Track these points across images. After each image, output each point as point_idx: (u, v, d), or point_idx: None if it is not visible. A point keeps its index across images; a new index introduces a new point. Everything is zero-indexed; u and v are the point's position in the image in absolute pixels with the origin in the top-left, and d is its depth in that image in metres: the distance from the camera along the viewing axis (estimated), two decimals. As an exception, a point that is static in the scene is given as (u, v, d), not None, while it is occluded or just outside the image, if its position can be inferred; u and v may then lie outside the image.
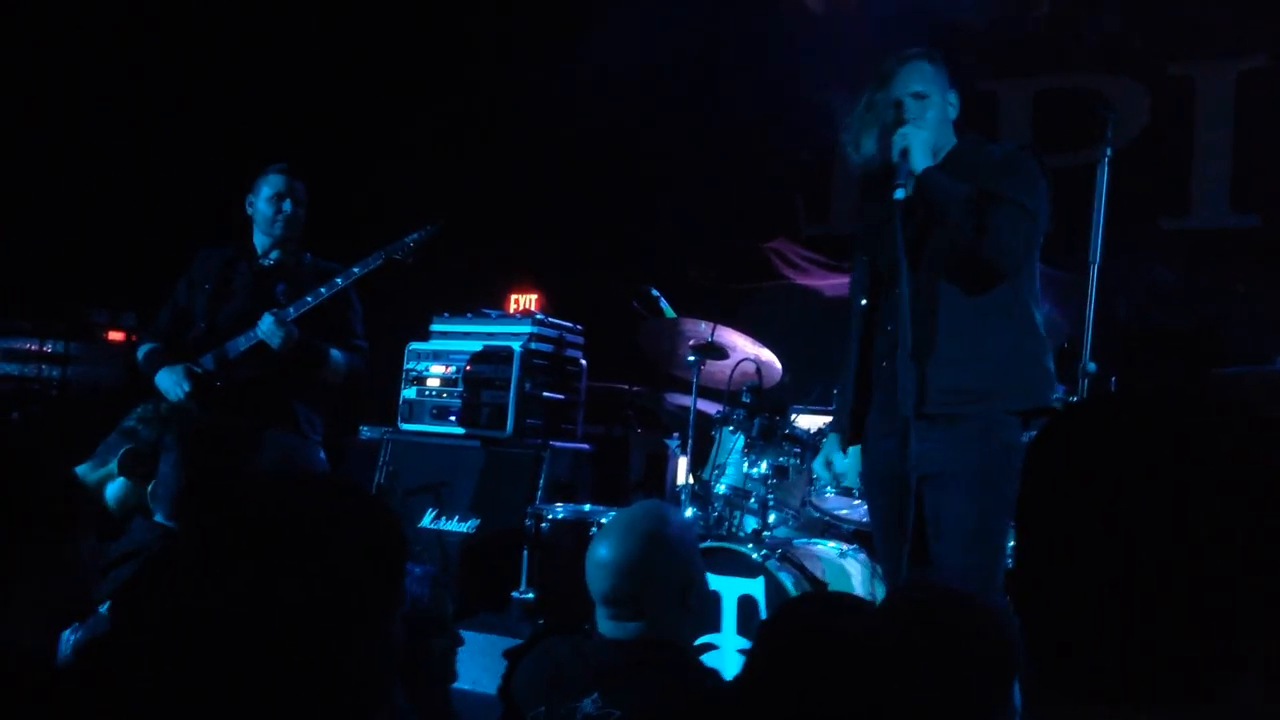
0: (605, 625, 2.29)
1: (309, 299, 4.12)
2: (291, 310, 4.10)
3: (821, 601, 2.14)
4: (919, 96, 3.18)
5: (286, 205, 4.28)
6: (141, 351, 4.25)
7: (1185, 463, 1.06)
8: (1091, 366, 2.96)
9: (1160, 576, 1.06)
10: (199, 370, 4.10)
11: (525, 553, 4.40)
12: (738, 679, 1.87)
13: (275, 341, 4.04)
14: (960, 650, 1.96)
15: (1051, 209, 3.31)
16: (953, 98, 3.26)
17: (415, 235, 4.22)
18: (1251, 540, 1.05)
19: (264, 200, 4.31)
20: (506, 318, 5.20)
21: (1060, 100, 6.29)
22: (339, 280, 4.15)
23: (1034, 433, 3.16)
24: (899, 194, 3.11)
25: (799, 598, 2.99)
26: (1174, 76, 6.09)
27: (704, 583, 2.44)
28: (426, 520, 4.73)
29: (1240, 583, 1.05)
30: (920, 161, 3.09)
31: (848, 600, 2.11)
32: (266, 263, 4.31)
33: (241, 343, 4.11)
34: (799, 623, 1.81)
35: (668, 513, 2.37)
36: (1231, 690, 1.06)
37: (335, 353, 4.20)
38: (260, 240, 4.32)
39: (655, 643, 2.24)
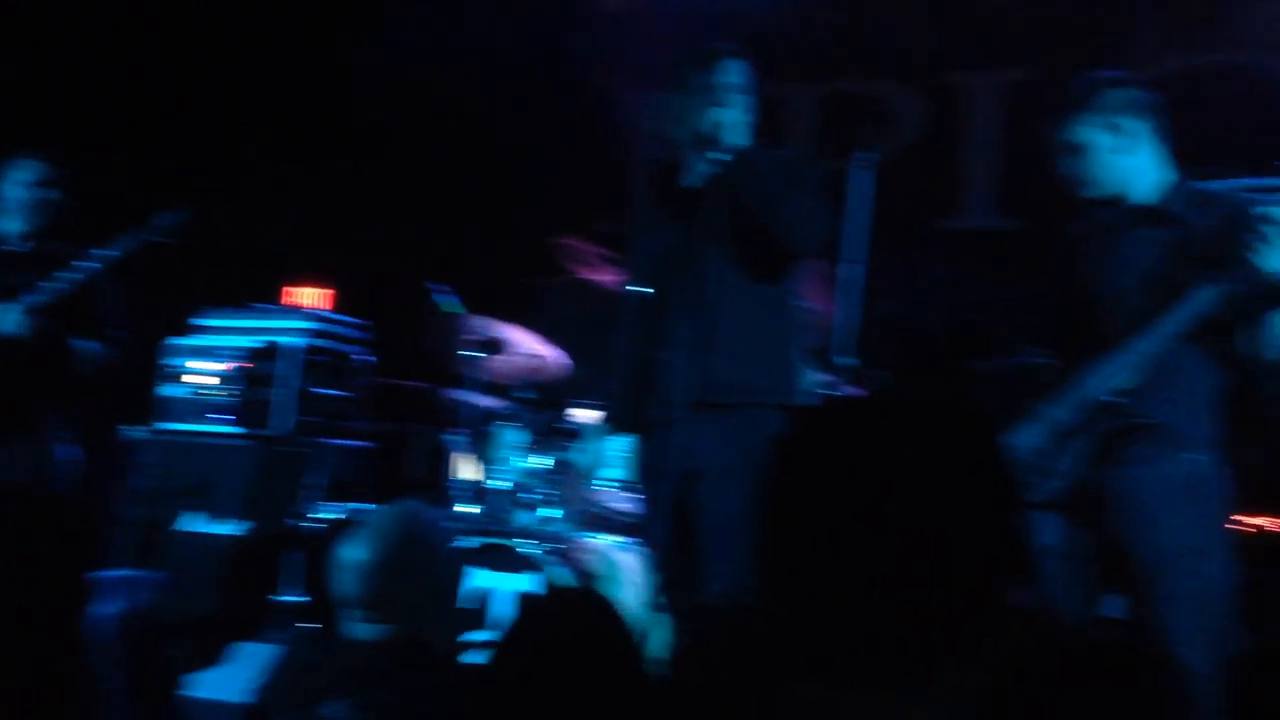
0: (355, 628, 2.26)
1: (52, 287, 3.90)
2: (32, 299, 3.87)
3: (562, 602, 2.17)
4: (737, 89, 3.27)
5: (36, 191, 4.08)
6: None
7: (896, 466, 1.12)
8: (851, 361, 3.07)
9: (875, 570, 1.11)
10: None
11: (296, 555, 4.30)
12: (481, 679, 1.87)
13: (12, 333, 3.83)
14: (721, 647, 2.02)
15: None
16: (752, 103, 3.34)
17: (167, 217, 4.03)
18: (958, 534, 1.11)
19: (10, 185, 4.10)
20: (286, 312, 5.07)
21: (844, 105, 6.52)
22: (88, 267, 3.94)
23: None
24: (708, 163, 3.20)
25: (542, 599, 3.01)
26: (949, 85, 6.38)
27: (457, 582, 2.44)
28: (190, 523, 4.57)
29: (947, 575, 1.11)
30: (735, 139, 3.17)
31: (589, 601, 2.14)
32: (8, 249, 4.10)
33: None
34: (538, 624, 1.82)
35: (419, 512, 2.36)
36: (937, 674, 1.12)
37: (83, 345, 4.00)
38: (5, 226, 4.11)
39: (406, 644, 2.23)
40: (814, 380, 3.33)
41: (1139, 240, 2.97)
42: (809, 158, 3.48)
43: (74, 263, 3.96)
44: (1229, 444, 2.96)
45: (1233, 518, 3.09)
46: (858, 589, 1.13)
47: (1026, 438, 2.96)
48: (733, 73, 3.31)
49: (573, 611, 1.77)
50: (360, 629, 2.24)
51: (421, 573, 2.24)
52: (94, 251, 3.99)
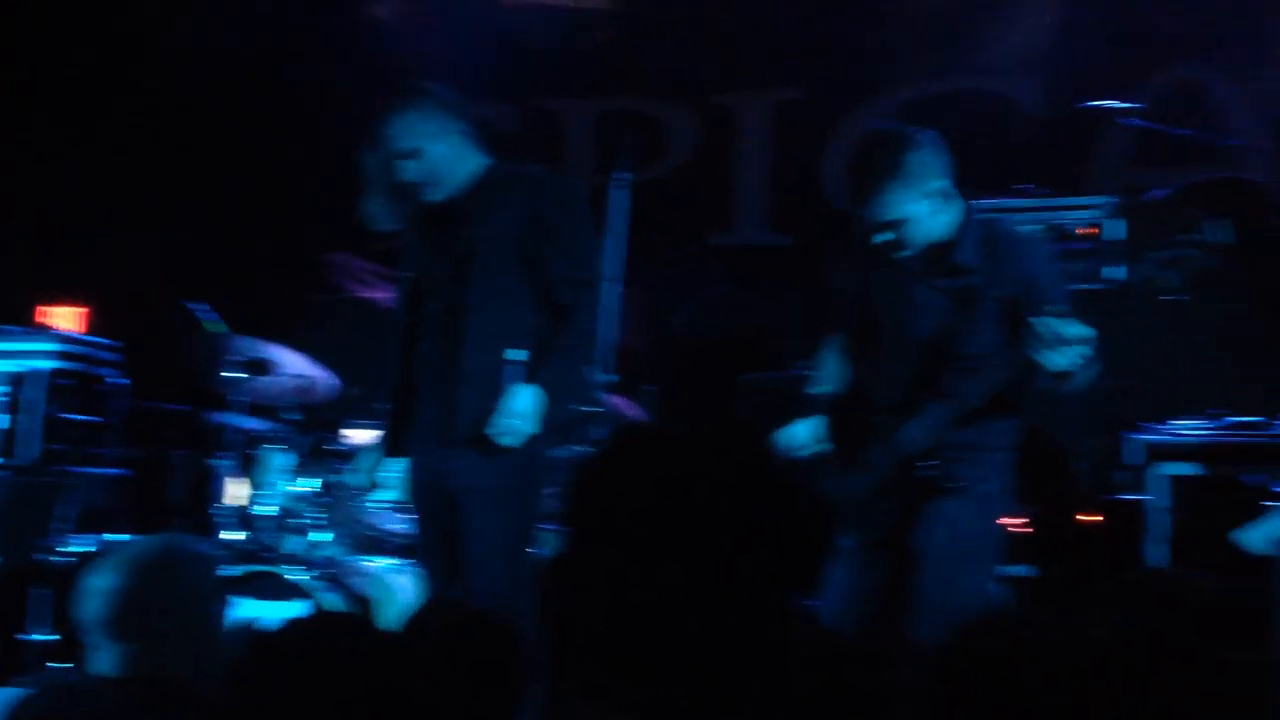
0: (101, 662, 2.16)
1: None
2: None
3: (315, 623, 2.13)
4: (408, 155, 3.22)
5: None
6: None
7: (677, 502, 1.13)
8: (606, 377, 3.13)
9: (652, 601, 1.12)
10: None
11: (44, 591, 4.06)
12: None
13: None
14: (469, 664, 2.00)
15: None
16: (459, 127, 3.30)
17: None
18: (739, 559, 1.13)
19: None
20: (31, 333, 4.76)
21: (620, 122, 6.61)
22: None
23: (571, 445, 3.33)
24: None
25: (294, 621, 2.94)
26: (718, 105, 6.56)
27: (220, 614, 2.36)
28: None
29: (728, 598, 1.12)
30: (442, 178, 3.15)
31: (339, 620, 2.11)
32: None
33: None
34: (283, 647, 1.78)
35: (174, 543, 2.29)
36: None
37: None
38: None
39: (157, 679, 2.14)
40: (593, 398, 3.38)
41: (931, 287, 3.06)
42: (564, 174, 3.50)
43: None
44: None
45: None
46: (641, 610, 1.14)
47: (852, 485, 3.10)
48: (408, 133, 3.23)
49: (312, 637, 1.73)
50: (107, 663, 2.14)
51: (177, 605, 2.16)
52: None
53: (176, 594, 2.20)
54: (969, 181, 5.05)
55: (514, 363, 3.16)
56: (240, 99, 6.34)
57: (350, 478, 3.60)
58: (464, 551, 3.21)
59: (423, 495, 3.37)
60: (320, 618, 2.51)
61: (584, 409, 3.20)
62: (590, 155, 6.58)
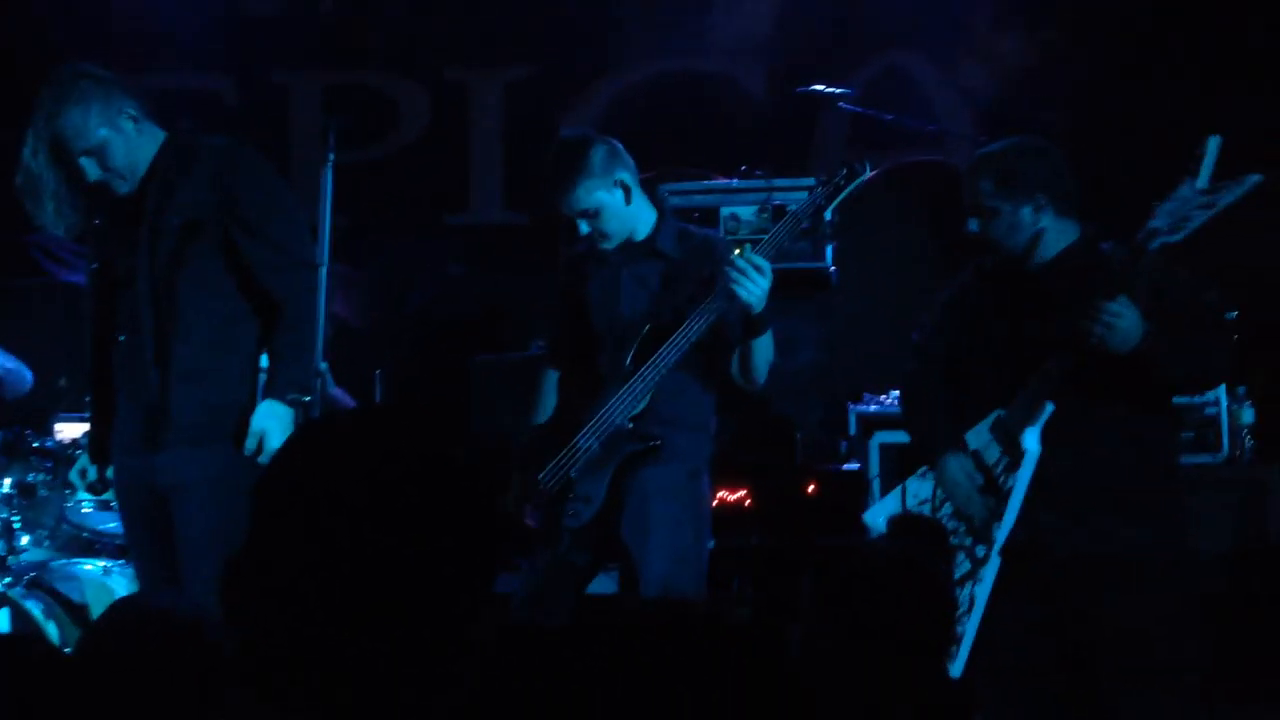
0: None
1: None
2: None
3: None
4: (91, 153, 2.99)
5: None
6: None
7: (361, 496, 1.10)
8: (322, 364, 3.04)
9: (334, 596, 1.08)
10: None
11: None
12: None
13: None
14: (153, 668, 1.92)
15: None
16: (129, 110, 3.06)
17: None
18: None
19: None
20: None
21: (349, 96, 6.42)
22: None
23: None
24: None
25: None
26: (450, 81, 6.46)
27: None
28: None
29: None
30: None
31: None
32: None
33: None
34: None
35: None
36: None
37: None
38: None
39: None
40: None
41: (636, 274, 3.31)
42: (246, 142, 3.31)
43: None
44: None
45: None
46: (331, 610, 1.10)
47: (564, 472, 3.24)
48: (86, 109, 2.97)
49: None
50: None
51: None
52: None
53: None
54: (698, 161, 5.25)
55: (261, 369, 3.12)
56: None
57: (73, 477, 3.36)
58: (178, 552, 3.06)
59: (130, 496, 3.19)
60: None
61: (303, 398, 3.07)
62: (318, 131, 6.38)
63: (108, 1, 6.04)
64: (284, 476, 1.19)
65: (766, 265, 3.04)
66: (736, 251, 3.08)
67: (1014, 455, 2.92)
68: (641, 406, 3.18)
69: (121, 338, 3.12)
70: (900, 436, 4.23)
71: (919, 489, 3.11)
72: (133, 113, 3.04)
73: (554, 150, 3.26)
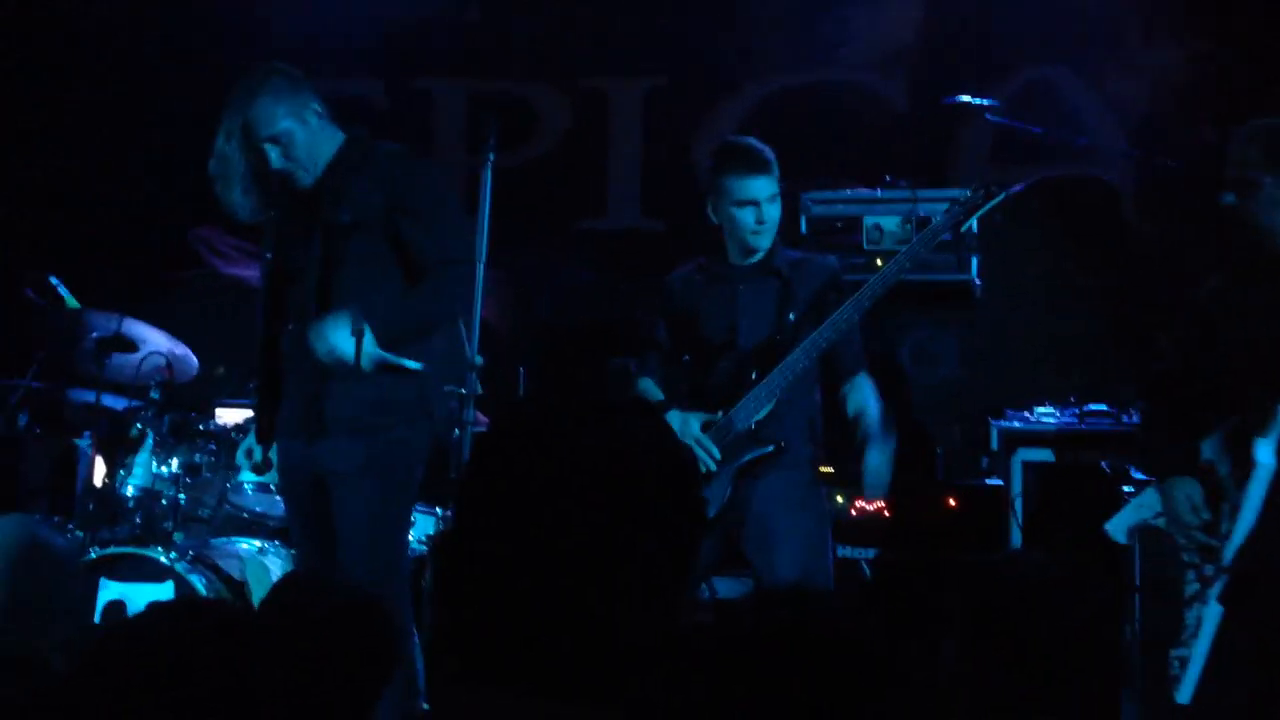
0: None
1: None
2: None
3: (159, 611, 2.09)
4: (276, 141, 3.15)
5: None
6: None
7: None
8: (478, 359, 3.13)
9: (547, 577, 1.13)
10: None
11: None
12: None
13: None
14: (340, 645, 2.00)
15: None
16: (314, 107, 3.22)
17: None
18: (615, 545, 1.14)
19: None
20: None
21: (492, 103, 6.57)
22: None
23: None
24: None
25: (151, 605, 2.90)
26: (589, 90, 6.57)
27: (75, 595, 2.31)
28: None
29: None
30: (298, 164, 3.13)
31: (194, 603, 2.08)
32: None
33: None
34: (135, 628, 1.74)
35: (27, 523, 2.22)
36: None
37: None
38: None
39: (8, 658, 2.08)
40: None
41: (754, 290, 3.48)
42: (415, 151, 3.45)
43: None
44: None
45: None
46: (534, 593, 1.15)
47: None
48: (263, 122, 3.15)
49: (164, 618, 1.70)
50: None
51: (27, 585, 2.10)
52: None
53: (27, 574, 2.14)
54: (836, 171, 5.25)
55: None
56: (101, 67, 6.11)
57: (239, 457, 3.53)
58: (335, 536, 3.18)
59: (291, 480, 3.34)
60: (177, 601, 2.45)
61: (459, 390, 3.18)
62: (461, 136, 6.54)
63: (268, 13, 6.29)
64: (492, 457, 1.23)
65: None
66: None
67: (1245, 468, 2.81)
68: (764, 414, 3.31)
69: (290, 327, 3.25)
70: (1044, 454, 4.18)
71: (1155, 501, 3.01)
72: (318, 109, 3.20)
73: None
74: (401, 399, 3.19)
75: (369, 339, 3.02)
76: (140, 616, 1.60)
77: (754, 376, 3.33)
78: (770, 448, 3.32)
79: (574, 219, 6.49)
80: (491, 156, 3.17)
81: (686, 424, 3.33)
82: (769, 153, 3.44)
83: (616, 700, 1.15)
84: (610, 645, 1.15)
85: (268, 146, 3.13)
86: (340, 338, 3.01)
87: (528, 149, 6.41)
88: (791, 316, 3.40)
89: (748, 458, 3.30)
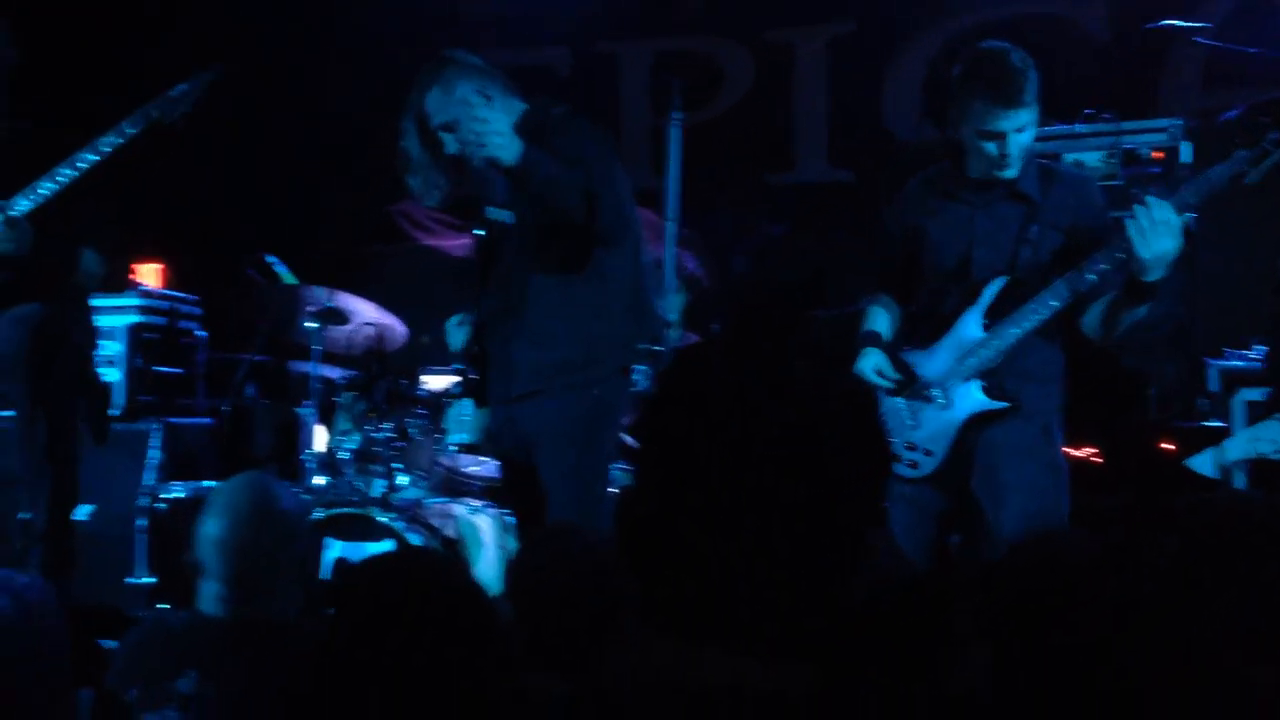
0: (209, 603, 2.24)
1: (45, 185, 3.27)
2: (23, 202, 3.26)
3: (392, 560, 2.20)
4: (447, 128, 3.20)
5: None
6: None
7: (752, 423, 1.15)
8: (672, 316, 3.16)
9: (738, 530, 1.14)
10: None
11: (143, 536, 4.21)
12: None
13: (8, 246, 3.25)
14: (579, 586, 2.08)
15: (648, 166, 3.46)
16: (487, 89, 3.23)
17: (183, 87, 3.46)
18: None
19: None
20: (111, 291, 4.89)
21: (676, 62, 6.59)
22: (86, 156, 3.30)
23: (639, 379, 3.37)
24: (497, 214, 3.24)
25: (369, 560, 3.03)
26: (773, 41, 6.50)
27: (314, 554, 2.44)
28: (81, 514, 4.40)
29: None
30: (509, 154, 3.06)
31: (416, 555, 2.18)
32: None
33: None
34: (372, 583, 1.83)
35: (269, 484, 2.35)
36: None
37: (88, 254, 3.46)
38: None
39: (259, 618, 2.22)
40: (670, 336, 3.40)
41: (993, 216, 3.10)
42: (576, 112, 3.43)
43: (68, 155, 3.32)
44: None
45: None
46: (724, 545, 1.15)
47: (906, 419, 3.14)
48: (448, 104, 3.18)
49: (404, 572, 1.79)
50: (214, 604, 2.23)
51: (276, 546, 2.24)
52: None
53: (273, 535, 2.26)
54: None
55: None
56: (300, 49, 6.38)
57: (452, 426, 3.66)
58: (541, 493, 3.28)
59: (499, 443, 3.46)
60: (414, 552, 2.57)
61: (654, 348, 3.22)
62: (647, 97, 6.59)
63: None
64: (662, 411, 1.23)
65: (1176, 222, 2.75)
66: (1141, 204, 2.77)
67: None
68: (995, 363, 3.04)
69: (492, 299, 3.36)
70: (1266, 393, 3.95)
71: (1275, 433, 2.83)
72: (490, 91, 3.26)
73: (990, 58, 3.03)
74: (592, 358, 3.25)
75: None
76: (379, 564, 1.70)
77: (985, 320, 3.05)
78: (1003, 404, 3.04)
79: (761, 173, 6.46)
80: (679, 115, 3.17)
81: (883, 367, 3.15)
82: (1027, 74, 2.96)
83: (805, 656, 1.15)
84: (799, 601, 1.15)
85: (442, 135, 3.22)
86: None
87: (713, 106, 6.41)
88: (1035, 255, 3.04)
89: (973, 412, 3.05)
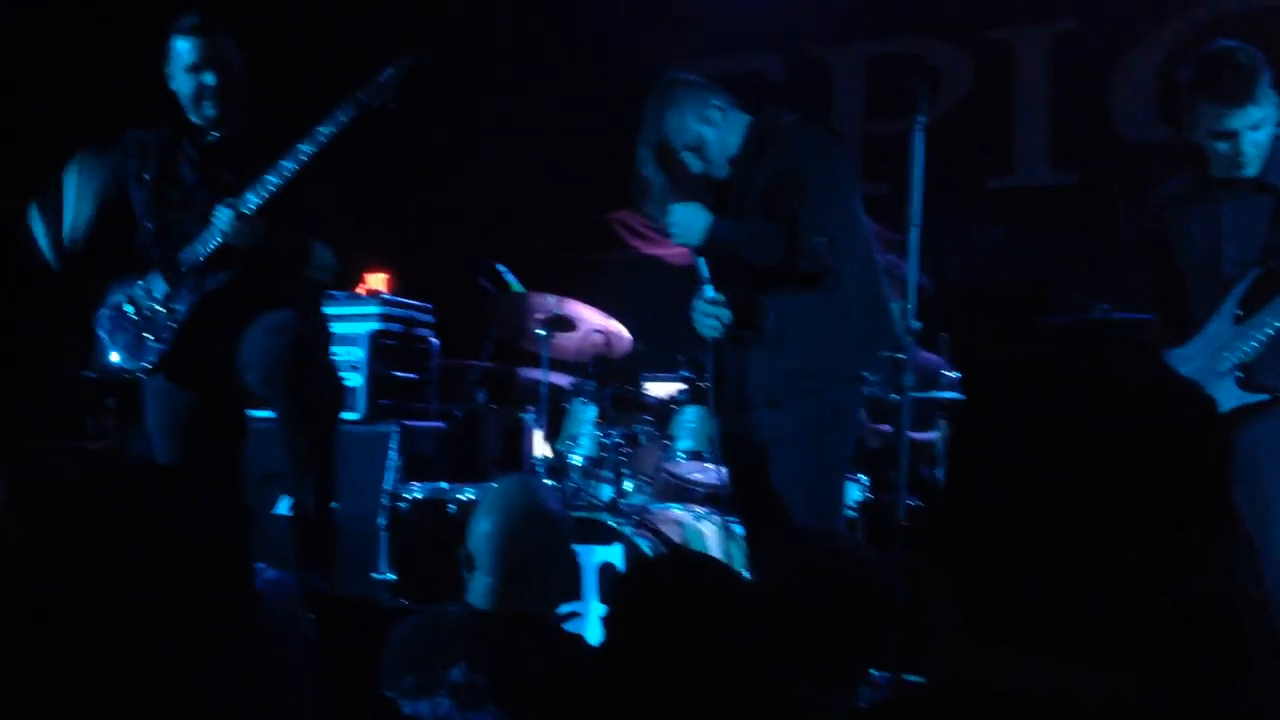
0: (479, 597, 2.31)
1: (271, 178, 3.29)
2: (252, 197, 3.30)
3: (675, 560, 2.23)
4: (692, 148, 3.25)
5: (208, 77, 3.41)
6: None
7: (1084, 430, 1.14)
8: (916, 324, 3.11)
9: (1058, 537, 1.12)
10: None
11: (384, 534, 4.39)
12: (601, 641, 1.92)
13: (239, 240, 3.32)
14: (845, 598, 2.07)
15: (861, 172, 3.42)
16: (715, 103, 3.28)
17: (389, 71, 3.43)
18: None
19: (179, 75, 3.44)
20: (354, 299, 5.14)
21: (889, 66, 6.49)
22: (305, 148, 3.30)
23: (873, 385, 3.33)
24: (708, 293, 3.26)
25: (651, 559, 3.07)
26: (993, 40, 6.34)
27: (572, 555, 2.50)
28: (283, 507, 4.65)
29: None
30: (693, 236, 3.17)
31: (698, 558, 2.20)
32: (212, 139, 3.50)
33: (199, 249, 3.36)
34: (653, 581, 1.86)
35: (541, 488, 2.43)
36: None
37: (320, 247, 3.51)
38: (196, 116, 3.50)
39: (526, 612, 2.29)
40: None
41: (1241, 209, 3.07)
42: (816, 121, 3.41)
43: (288, 147, 3.33)
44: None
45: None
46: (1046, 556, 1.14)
47: None
48: (682, 129, 3.22)
49: (688, 576, 1.81)
50: (484, 598, 2.30)
51: (543, 543, 2.30)
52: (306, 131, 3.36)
53: (541, 533, 2.33)
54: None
55: None
56: (523, 62, 6.56)
57: (679, 433, 3.68)
58: (775, 501, 3.27)
59: (732, 449, 3.46)
60: (685, 556, 2.60)
61: (896, 355, 3.18)
62: (859, 102, 6.51)
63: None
64: (976, 434, 1.21)
65: None
66: None
67: None
68: (1253, 356, 2.97)
69: (728, 311, 3.38)
70: None
71: None
72: (719, 104, 3.30)
73: (1218, 57, 3.03)
74: (826, 366, 3.23)
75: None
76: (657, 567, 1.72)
77: (1239, 313, 3.01)
78: (1261, 396, 2.96)
79: (980, 177, 6.30)
80: (922, 119, 3.13)
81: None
82: (1256, 71, 2.95)
83: (1124, 666, 1.12)
84: (1122, 609, 1.12)
85: (685, 155, 3.26)
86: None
87: (930, 109, 6.27)
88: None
89: (1231, 407, 2.96)
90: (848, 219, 3.26)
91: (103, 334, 3.49)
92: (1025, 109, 6.30)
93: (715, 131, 3.28)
